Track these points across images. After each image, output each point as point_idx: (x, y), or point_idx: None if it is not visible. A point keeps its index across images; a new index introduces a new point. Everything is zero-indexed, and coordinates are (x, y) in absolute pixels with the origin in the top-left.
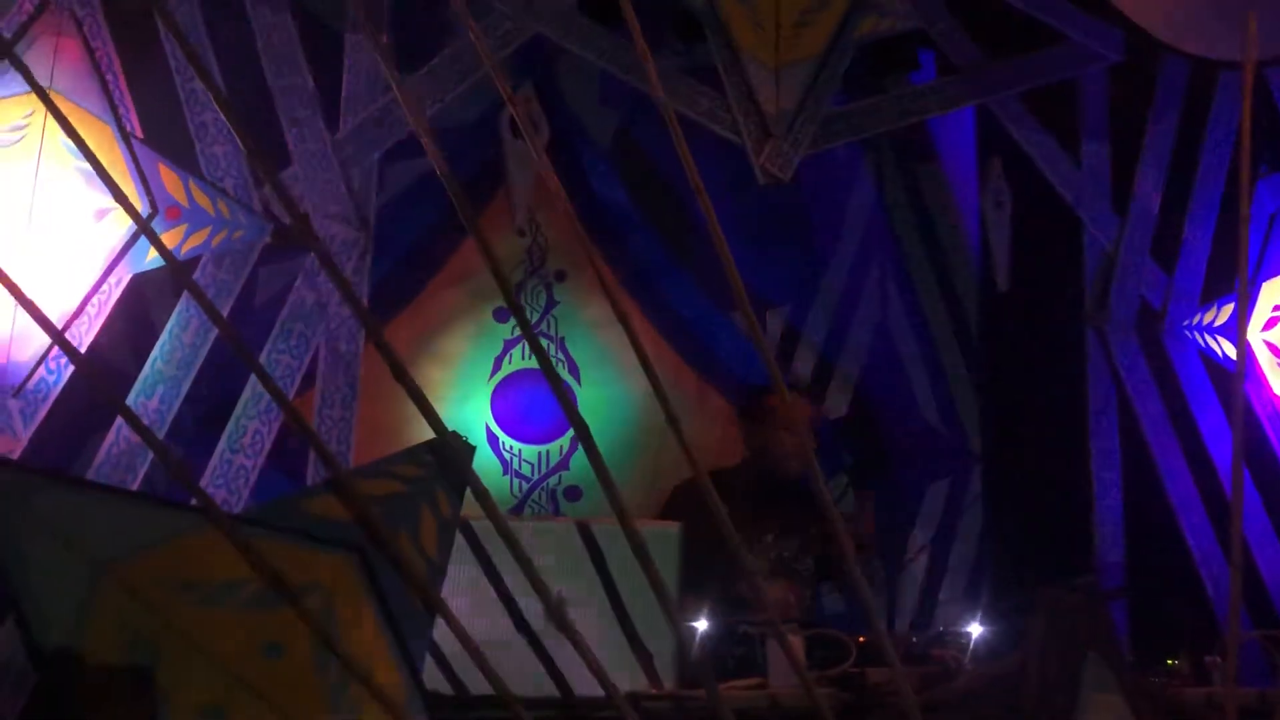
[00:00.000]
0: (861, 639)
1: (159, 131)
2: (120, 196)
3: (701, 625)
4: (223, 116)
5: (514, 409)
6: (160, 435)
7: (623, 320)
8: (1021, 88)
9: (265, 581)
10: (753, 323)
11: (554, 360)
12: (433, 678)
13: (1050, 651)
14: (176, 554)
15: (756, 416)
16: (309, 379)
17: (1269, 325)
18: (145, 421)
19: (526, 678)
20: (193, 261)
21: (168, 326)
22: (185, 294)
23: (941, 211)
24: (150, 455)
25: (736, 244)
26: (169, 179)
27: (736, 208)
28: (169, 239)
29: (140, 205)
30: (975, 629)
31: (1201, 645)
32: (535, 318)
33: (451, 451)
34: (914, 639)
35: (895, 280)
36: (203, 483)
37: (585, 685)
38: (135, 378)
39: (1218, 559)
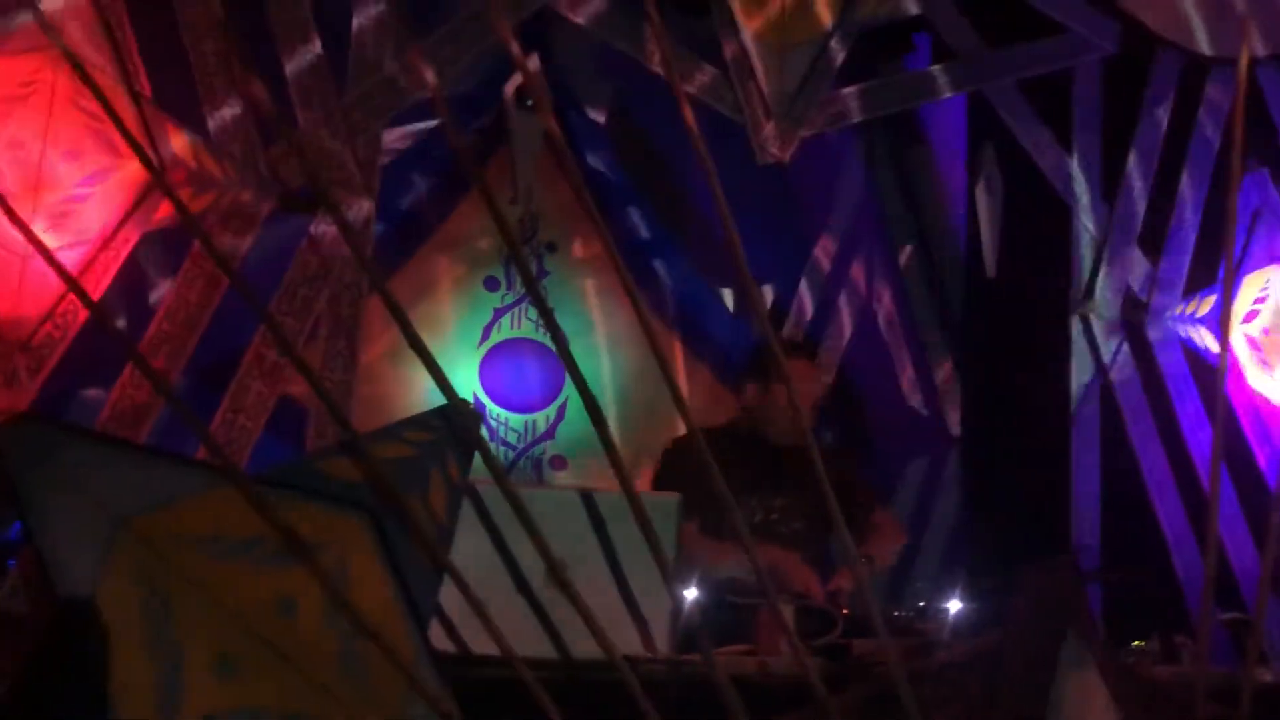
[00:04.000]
0: (845, 610)
1: (167, 93)
2: (139, 150)
3: (695, 593)
4: (231, 79)
5: (502, 378)
6: None
7: (628, 288)
8: (1018, 75)
9: (280, 539)
10: (754, 293)
11: (543, 331)
12: (437, 637)
13: (1032, 629)
14: (194, 510)
15: (767, 375)
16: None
17: (1248, 318)
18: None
19: (526, 640)
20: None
21: (174, 285)
22: (191, 253)
23: (930, 196)
24: (154, 416)
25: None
26: (177, 140)
27: (728, 183)
28: None
29: None
30: (954, 605)
31: (1172, 627)
32: (525, 289)
33: (461, 418)
34: (896, 613)
35: (881, 262)
36: None
37: (582, 648)
38: (135, 339)
39: (1190, 544)
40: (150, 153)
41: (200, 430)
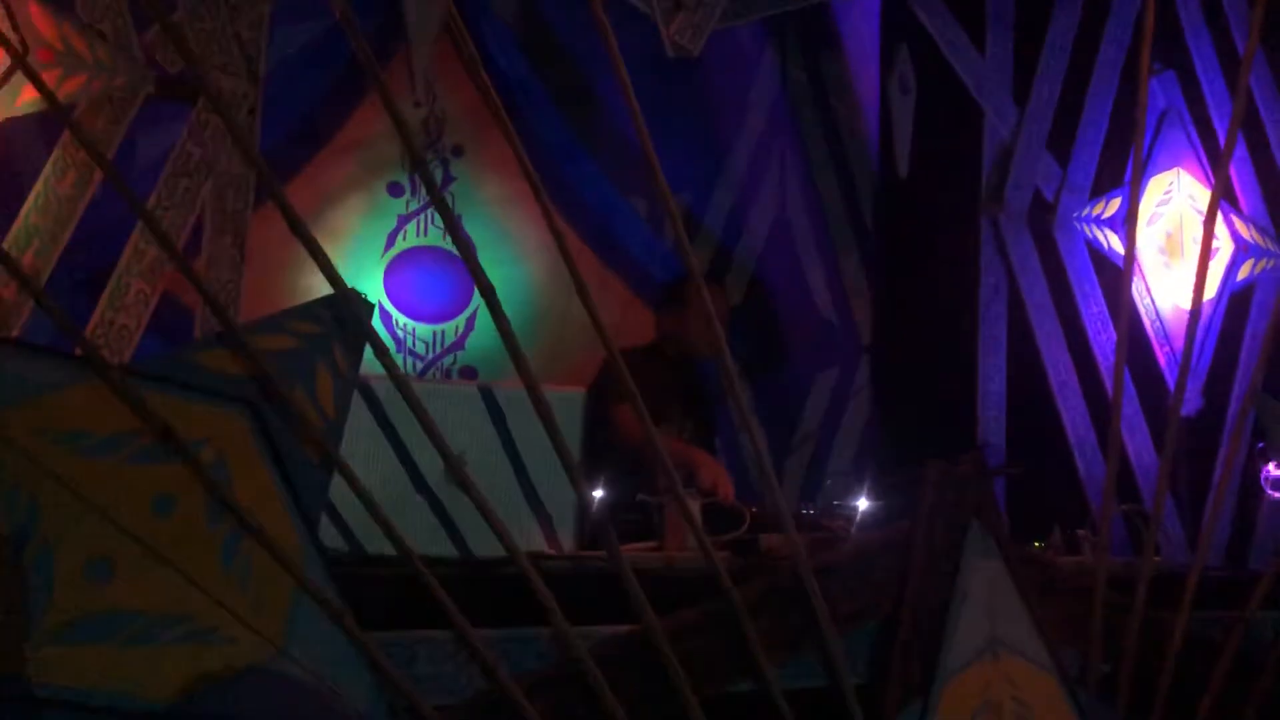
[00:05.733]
0: (754, 510)
1: None
2: None
3: (602, 491)
4: None
5: (408, 286)
6: None
7: (534, 187)
8: None
9: (154, 434)
10: (669, 200)
11: (450, 238)
12: (330, 536)
13: (937, 520)
14: (59, 405)
15: (681, 299)
16: (193, 244)
17: (1152, 220)
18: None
19: (425, 538)
20: (69, 109)
21: (42, 176)
22: (61, 142)
23: (843, 98)
24: (24, 316)
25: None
26: (41, 19)
27: (641, 89)
28: None
29: None
30: (862, 503)
31: (1073, 521)
32: (429, 197)
33: (349, 307)
34: (805, 510)
35: (795, 168)
36: None
37: (484, 547)
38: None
39: (1091, 442)
40: (10, 32)
41: (64, 321)
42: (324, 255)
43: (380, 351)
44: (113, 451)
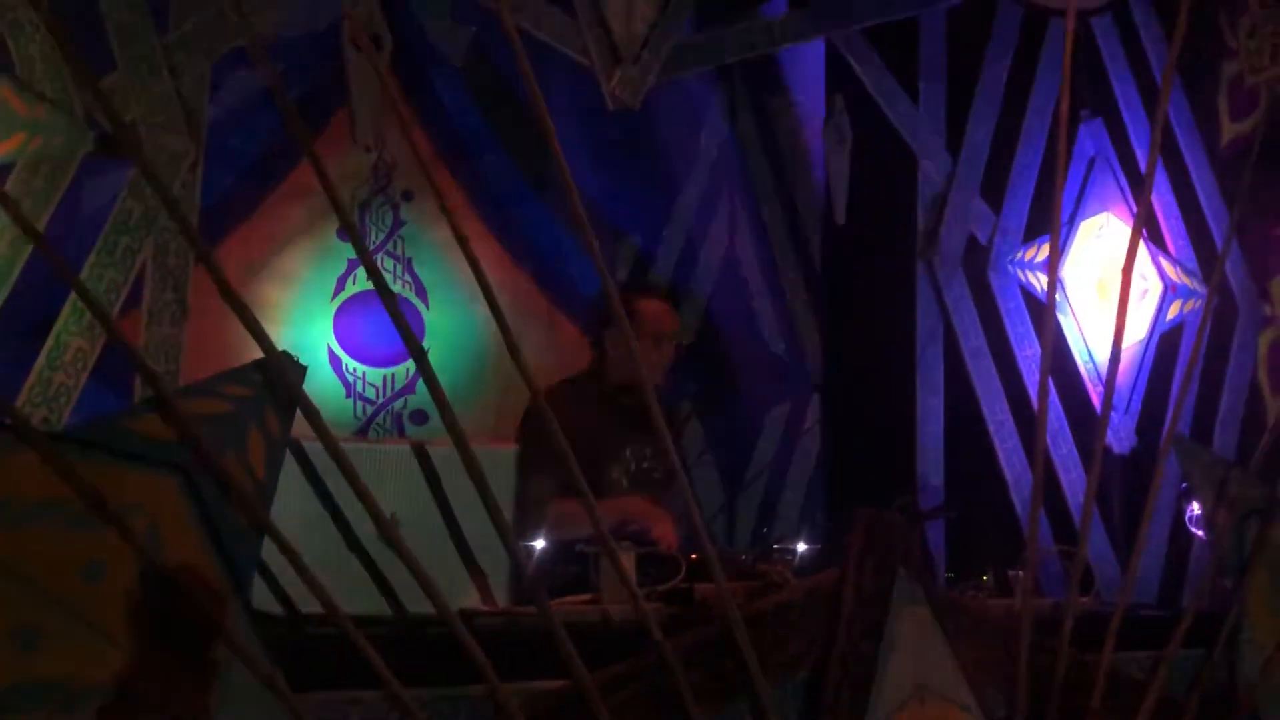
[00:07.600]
0: (694, 556)
1: None
2: None
3: (538, 545)
4: (39, 13)
5: (358, 331)
6: None
7: (461, 242)
8: (865, 23)
9: (83, 501)
10: (588, 234)
11: (401, 282)
12: (264, 598)
13: (865, 566)
14: None
15: (605, 318)
16: (137, 295)
17: (1083, 264)
18: None
19: (360, 598)
20: (6, 169)
21: None
22: None
23: (790, 145)
24: None
25: (590, 171)
26: None
27: (591, 134)
28: None
29: None
30: (801, 546)
31: (1011, 561)
32: (381, 238)
33: (280, 371)
34: (743, 556)
35: (744, 211)
36: (20, 402)
37: (420, 604)
38: None
39: (1028, 482)
40: None
41: None
42: (254, 320)
43: (312, 416)
44: (41, 518)
